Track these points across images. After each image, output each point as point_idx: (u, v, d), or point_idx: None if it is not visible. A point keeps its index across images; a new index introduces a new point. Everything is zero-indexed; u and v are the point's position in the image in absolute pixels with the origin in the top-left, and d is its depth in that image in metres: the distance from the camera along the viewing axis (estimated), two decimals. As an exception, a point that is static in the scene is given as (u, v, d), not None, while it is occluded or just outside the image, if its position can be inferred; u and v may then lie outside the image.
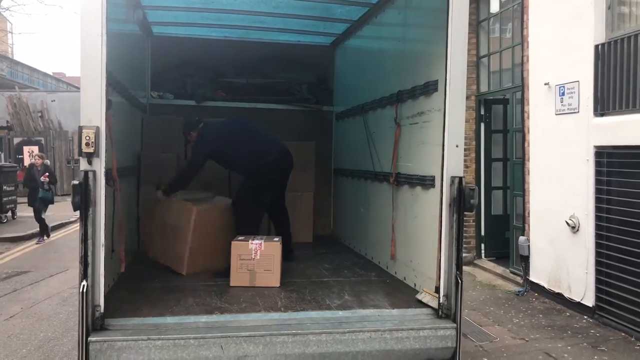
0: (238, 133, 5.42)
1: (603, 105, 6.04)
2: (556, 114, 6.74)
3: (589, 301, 6.24)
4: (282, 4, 5.67)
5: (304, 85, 7.44)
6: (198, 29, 6.73)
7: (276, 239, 4.64)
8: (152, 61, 6.88)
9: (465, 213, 3.64)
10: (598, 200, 6.12)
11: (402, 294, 4.24)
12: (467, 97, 8.55)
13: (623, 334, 5.72)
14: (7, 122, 21.50)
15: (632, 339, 5.58)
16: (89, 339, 3.12)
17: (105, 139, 3.28)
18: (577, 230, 6.39)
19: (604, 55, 6.03)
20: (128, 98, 5.20)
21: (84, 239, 3.15)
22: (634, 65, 5.62)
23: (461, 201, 3.56)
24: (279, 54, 7.22)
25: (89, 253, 3.16)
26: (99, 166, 3.22)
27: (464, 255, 4.02)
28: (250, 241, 4.45)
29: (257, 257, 4.37)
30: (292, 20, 6.28)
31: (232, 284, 4.36)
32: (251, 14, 6.04)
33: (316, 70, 7.47)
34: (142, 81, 6.61)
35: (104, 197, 3.23)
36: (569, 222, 6.46)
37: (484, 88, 9.02)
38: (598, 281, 6.13)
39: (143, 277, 4.62)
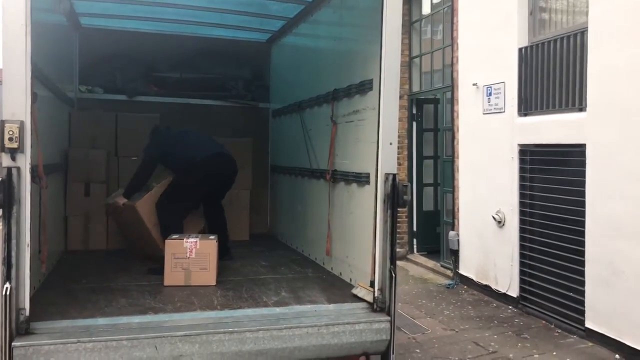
0: (181, 138, 5.45)
1: (526, 106, 6.38)
2: (484, 114, 7.05)
3: (514, 292, 6.58)
4: (217, -1, 5.59)
5: (239, 81, 7.36)
6: (130, 21, 6.49)
7: (212, 237, 4.58)
8: (81, 54, 6.59)
9: (398, 209, 3.74)
10: (522, 195, 6.46)
11: (338, 289, 4.30)
12: (400, 97, 8.74)
13: (544, 322, 6.08)
14: None
15: (552, 326, 5.94)
16: (12, 344, 2.97)
17: (31, 134, 3.13)
18: (503, 224, 6.71)
19: (527, 57, 6.37)
20: (55, 92, 4.96)
21: (8, 239, 2.99)
22: (553, 68, 5.98)
23: (395, 197, 3.65)
24: (214, 49, 7.11)
25: (13, 254, 3.00)
26: (24, 162, 3.06)
27: (397, 250, 4.13)
28: (185, 240, 4.37)
29: (193, 255, 4.30)
30: (227, 16, 6.20)
31: (166, 283, 4.27)
32: (186, 7, 5.91)
33: (252, 67, 7.41)
34: (70, 74, 6.32)
35: (29, 195, 3.08)
36: (496, 216, 6.78)
37: (416, 88, 9.28)
38: (522, 273, 6.48)
39: (71, 277, 4.44)
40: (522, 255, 6.49)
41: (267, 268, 5.07)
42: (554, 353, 5.29)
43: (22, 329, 3.05)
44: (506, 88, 6.65)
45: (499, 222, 6.75)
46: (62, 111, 5.67)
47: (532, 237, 6.36)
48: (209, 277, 4.33)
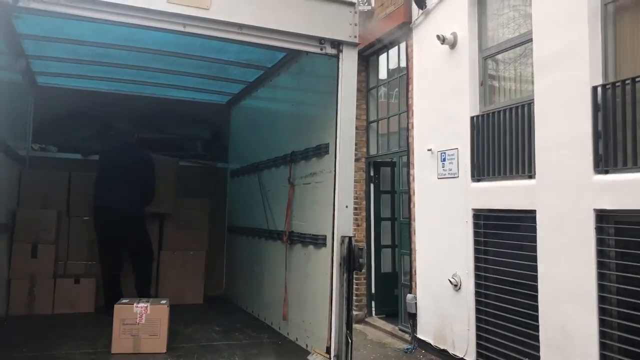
0: (106, 166, 5.80)
1: (479, 172, 6.59)
2: (438, 178, 7.23)
3: (471, 357, 6.53)
4: (176, 62, 5.66)
5: (198, 141, 7.39)
6: (87, 81, 6.48)
7: (163, 301, 4.44)
8: (36, 112, 6.50)
9: (355, 272, 3.74)
10: (477, 259, 6.55)
11: (294, 356, 4.20)
12: (358, 159, 9.00)
13: (501, 387, 6.03)
14: None
15: (510, 392, 5.90)
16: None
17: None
18: (459, 288, 6.75)
19: (478, 125, 6.63)
20: (4, 150, 4.85)
21: (-59, 306, 2.82)
22: (504, 136, 6.23)
23: (351, 260, 3.65)
24: (174, 109, 7.13)
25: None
26: (-35, 224, 2.94)
27: (355, 313, 4.10)
28: (135, 304, 4.21)
29: (142, 321, 4.14)
30: (187, 78, 6.28)
31: (113, 351, 4.08)
32: (144, 69, 5.96)
33: (211, 127, 7.46)
34: (23, 132, 6.21)
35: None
36: (452, 280, 6.82)
37: (373, 151, 9.49)
38: (478, 337, 6.47)
39: (11, 345, 4.18)
40: (478, 320, 6.50)
41: (220, 333, 4.92)
42: (512, 420, 5.22)
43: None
44: (459, 154, 6.87)
45: (455, 285, 6.79)
46: (12, 169, 5.52)
47: (487, 301, 6.41)
48: (159, 344, 4.17)
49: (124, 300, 4.38)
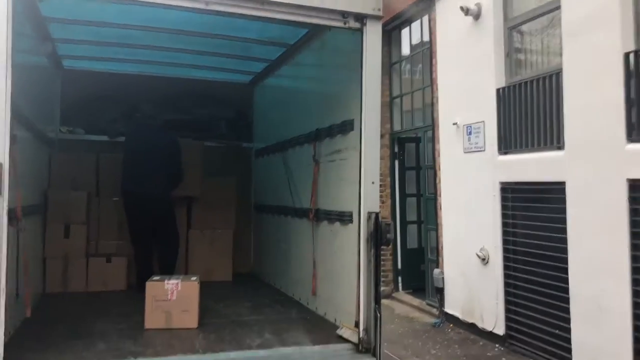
0: (130, 148, 5.83)
1: (506, 144, 6.49)
2: (464, 152, 7.15)
3: (500, 330, 6.53)
4: (199, 41, 5.65)
5: (222, 121, 7.41)
6: (112, 63, 6.54)
7: (194, 278, 4.51)
8: (63, 95, 6.59)
9: (382, 247, 3.74)
10: (505, 233, 6.49)
11: (323, 330, 4.23)
12: (382, 136, 8.93)
13: (531, 360, 6.03)
14: None
15: (539, 365, 5.89)
16: (-15, 393, 2.86)
17: (9, 177, 3.08)
18: (487, 262, 6.72)
19: (505, 98, 6.51)
20: (35, 133, 4.94)
21: (-18, 283, 2.91)
22: (531, 107, 6.12)
23: (378, 236, 3.65)
24: (198, 90, 7.17)
25: (-13, 298, 2.92)
26: (1, 205, 3.01)
27: (382, 289, 4.10)
28: (166, 281, 4.29)
29: (174, 297, 4.22)
30: (210, 58, 6.27)
31: (146, 326, 4.17)
32: (167, 50, 5.97)
33: (235, 107, 7.47)
34: (51, 115, 6.31)
35: (5, 238, 3.02)
36: (479, 254, 6.79)
37: (397, 127, 9.41)
38: (507, 310, 6.45)
39: (49, 321, 4.32)
40: (507, 293, 6.47)
41: (250, 309, 4.99)
42: (542, 392, 5.23)
43: (-5, 377, 2.95)
44: (486, 127, 6.77)
45: (483, 259, 6.76)
46: (43, 152, 5.62)
47: (516, 274, 6.36)
48: (191, 319, 4.24)
49: (155, 278, 4.47)
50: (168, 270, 5.64)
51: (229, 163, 7.04)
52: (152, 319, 4.18)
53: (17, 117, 3.69)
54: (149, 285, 4.27)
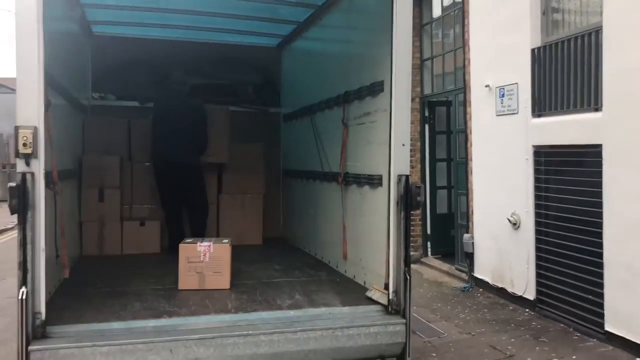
0: (159, 115, 5.89)
1: (540, 107, 6.32)
2: (497, 115, 6.99)
3: (530, 295, 6.49)
4: (227, 4, 5.62)
5: (249, 86, 7.39)
6: (141, 28, 6.56)
7: (225, 240, 4.58)
8: (94, 61, 6.67)
9: (412, 211, 3.72)
10: (537, 197, 6.38)
11: (352, 292, 4.28)
12: (412, 99, 8.75)
13: (562, 325, 5.99)
14: None
15: (570, 330, 5.85)
16: (29, 347, 2.98)
17: (44, 140, 3.15)
18: (518, 226, 6.64)
19: (540, 58, 6.31)
20: (68, 99, 5.02)
21: (23, 244, 3.01)
22: (567, 68, 5.91)
23: (408, 199, 3.63)
24: (225, 55, 7.14)
25: (29, 258, 3.02)
26: (38, 168, 3.09)
27: (411, 253, 4.10)
28: (198, 244, 4.38)
29: (206, 259, 4.31)
30: (238, 21, 6.23)
31: (180, 287, 4.28)
32: (196, 14, 5.95)
33: (263, 72, 7.44)
34: (83, 82, 6.39)
35: (43, 200, 3.10)
36: (511, 219, 6.71)
37: (427, 90, 9.25)
38: (538, 275, 6.40)
39: (86, 282, 4.46)
40: (538, 258, 6.40)
41: (280, 271, 5.06)
42: (573, 357, 5.20)
43: (38, 333, 3.07)
44: (519, 89, 6.59)
45: (514, 224, 6.68)
46: (76, 118, 5.73)
47: (548, 239, 6.28)
48: (223, 280, 4.33)
49: (188, 240, 4.56)
50: (199, 234, 5.75)
51: (257, 128, 7.05)
52: (186, 280, 4.29)
53: (51, 84, 3.75)
54: (182, 247, 4.36)
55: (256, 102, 7.30)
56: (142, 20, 6.24)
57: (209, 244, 4.38)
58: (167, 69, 6.39)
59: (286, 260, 5.55)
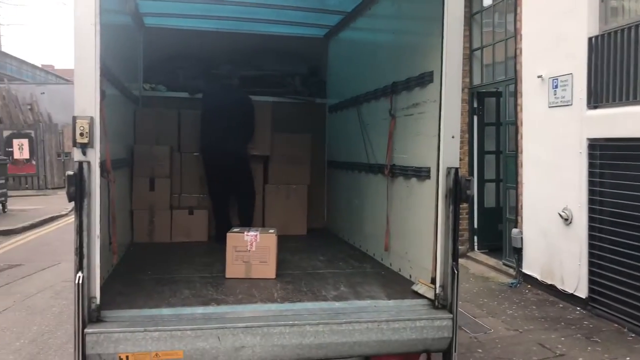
0: (209, 107, 5.96)
1: (597, 98, 6.08)
2: (549, 107, 6.77)
3: (582, 292, 6.29)
4: (275, -5, 5.63)
5: (296, 77, 7.39)
6: (190, 20, 6.67)
7: (271, 230, 4.62)
8: (145, 53, 6.82)
9: (460, 204, 3.65)
10: (591, 192, 6.16)
11: (398, 285, 4.24)
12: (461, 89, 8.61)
13: (616, 325, 5.78)
14: (-4, 115, 21.34)
15: (625, 330, 5.64)
16: (85, 330, 3.09)
17: (99, 130, 3.24)
18: (570, 222, 6.43)
19: (597, 47, 6.06)
20: (121, 90, 5.15)
21: (79, 230, 3.11)
22: (628, 57, 5.65)
23: (457, 192, 3.56)
24: (272, 45, 7.17)
25: (84, 244, 3.12)
26: (94, 157, 3.18)
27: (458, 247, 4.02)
28: (245, 233, 4.43)
29: (253, 248, 4.36)
30: (285, 12, 6.24)
31: (227, 275, 4.35)
32: (243, 5, 5.99)
33: (309, 62, 7.42)
34: (135, 73, 6.55)
35: (98, 188, 3.20)
36: (562, 214, 6.50)
37: (476, 81, 9.04)
38: (591, 273, 6.19)
39: (137, 269, 4.59)
40: (591, 255, 6.19)
41: (325, 262, 5.07)
42: (627, 358, 5.02)
43: (93, 317, 3.18)
44: (574, 80, 6.36)
45: (566, 219, 6.47)
46: (128, 108, 5.87)
47: (602, 235, 6.06)
48: (269, 270, 4.37)
49: (235, 229, 4.62)
50: (246, 223, 5.84)
51: (303, 119, 7.06)
52: (233, 269, 4.35)
53: (105, 75, 3.84)
54: (230, 236, 4.43)
55: (302, 93, 7.31)
56: (192, 12, 6.34)
57: (255, 233, 4.42)
58: (216, 61, 6.47)
59: (330, 251, 5.55)
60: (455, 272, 3.56)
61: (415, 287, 4.02)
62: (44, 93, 22.53)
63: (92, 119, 3.15)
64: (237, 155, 5.96)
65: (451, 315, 3.55)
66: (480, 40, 8.98)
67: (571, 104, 6.41)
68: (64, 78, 33.86)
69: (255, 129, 6.14)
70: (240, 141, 5.98)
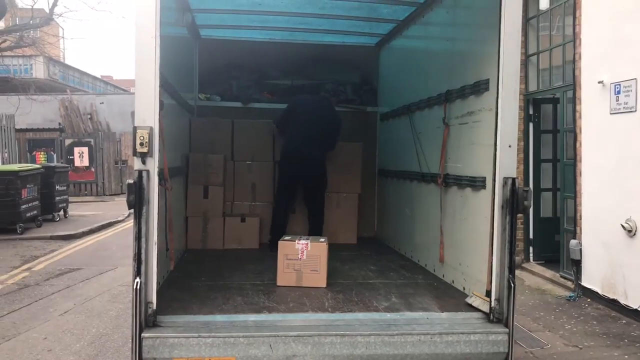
0: (299, 115, 6.03)
1: (662, 104, 5.79)
2: (611, 113, 6.51)
3: (647, 308, 5.99)
4: (327, 5, 5.66)
5: (348, 86, 7.41)
6: (244, 31, 6.80)
7: (322, 239, 4.63)
8: (200, 63, 6.99)
9: (517, 215, 3.55)
10: (657, 203, 5.87)
11: (451, 297, 4.16)
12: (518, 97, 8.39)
13: (684, 343, 5.47)
14: (59, 124, 22.35)
15: (694, 349, 5.32)
16: (142, 334, 3.18)
17: (158, 140, 3.34)
18: (635, 234, 6.14)
19: (663, 51, 5.78)
20: (177, 100, 5.30)
21: (138, 237, 3.21)
22: (697, 61, 5.37)
23: (514, 203, 3.46)
24: (324, 55, 7.22)
25: (143, 251, 3.22)
26: (152, 166, 3.28)
27: (514, 258, 3.91)
28: (296, 241, 4.46)
29: (304, 257, 4.37)
30: (337, 21, 6.27)
31: (278, 283, 4.38)
32: (296, 15, 6.06)
33: (361, 71, 7.43)
34: (191, 83, 6.73)
35: (156, 196, 3.29)
36: (625, 225, 6.22)
37: (532, 87, 8.79)
38: (656, 288, 5.88)
39: (191, 275, 4.69)
40: (656, 269, 5.89)
41: (376, 272, 5.03)
42: (697, 379, 4.73)
43: (150, 322, 3.27)
44: (638, 85, 6.08)
45: (630, 231, 6.18)
46: (184, 118, 6.04)
47: (669, 248, 5.75)
48: (320, 279, 4.38)
49: (286, 237, 4.65)
50: (319, 228, 6.02)
51: (355, 127, 7.06)
52: (284, 277, 4.38)
53: (163, 85, 3.96)
54: (281, 244, 4.46)
55: (354, 102, 7.31)
56: (246, 24, 6.46)
57: (306, 242, 4.44)
58: (271, 71, 6.57)
59: (381, 261, 5.51)
60: (512, 285, 3.46)
61: (469, 300, 3.93)
62: (102, 103, 23.49)
63: (151, 129, 3.25)
64: (321, 163, 6.04)
65: (507, 330, 3.45)
66: (536, 45, 8.73)
67: (635, 110, 6.13)
68: (121, 88, 35.23)
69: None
70: (325, 150, 6.08)
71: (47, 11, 18.52)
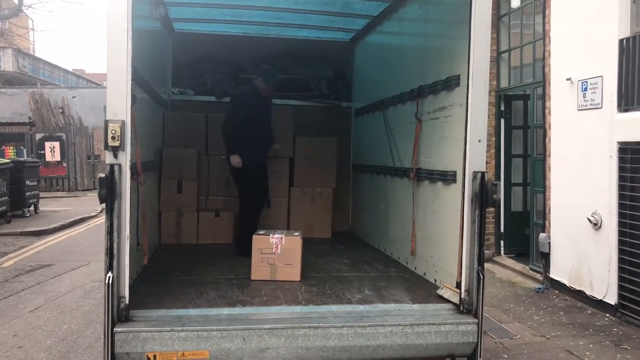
0: (252, 114, 5.71)
1: (627, 101, 5.96)
2: (578, 110, 6.67)
3: (612, 299, 6.17)
4: (301, 0, 5.68)
5: (322, 81, 7.45)
6: (218, 25, 6.76)
7: (296, 233, 4.66)
8: (173, 57, 6.94)
9: (486, 209, 3.63)
10: (621, 197, 6.04)
11: (422, 290, 4.24)
12: (488, 93, 8.53)
13: (646, 332, 5.66)
14: (30, 118, 21.88)
15: (656, 338, 5.52)
16: (114, 329, 3.17)
17: (130, 133, 3.32)
18: (600, 227, 6.32)
19: (628, 49, 5.95)
20: (150, 94, 5.26)
21: (110, 231, 3.20)
22: (660, 59, 5.54)
23: (483, 196, 3.54)
24: (298, 50, 7.23)
25: (115, 245, 3.20)
26: (124, 160, 3.26)
27: (484, 251, 4.00)
28: (271, 235, 4.48)
29: (278, 251, 4.40)
30: (311, 17, 6.29)
31: (253, 277, 4.40)
32: (270, 10, 6.06)
33: (335, 66, 7.47)
34: (164, 77, 6.67)
35: (129, 190, 3.28)
36: (591, 218, 6.39)
37: (504, 84, 8.95)
38: (621, 279, 6.06)
39: (165, 270, 4.68)
40: (621, 260, 6.07)
41: (349, 266, 5.09)
42: (658, 366, 4.91)
43: (122, 316, 3.26)
44: (604, 82, 6.24)
45: (595, 224, 6.36)
46: (157, 112, 5.99)
47: (633, 241, 5.93)
48: (294, 272, 4.41)
49: (260, 232, 4.67)
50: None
51: (329, 122, 7.11)
52: (258, 271, 4.40)
53: (135, 79, 3.93)
54: (255, 238, 4.48)
55: (328, 97, 7.35)
56: (220, 17, 6.43)
57: (280, 236, 4.47)
58: (245, 65, 6.52)
59: (355, 255, 5.57)
60: (481, 276, 3.54)
61: (440, 292, 4.01)
62: (75, 97, 23.06)
63: (123, 122, 3.24)
64: (266, 158, 6.02)
65: (476, 320, 3.54)
66: (507, 43, 8.88)
67: (601, 107, 6.30)
68: (94, 82, 34.59)
69: (276, 131, 6.14)
70: (269, 145, 6.01)
71: (16, 2, 18.08)
